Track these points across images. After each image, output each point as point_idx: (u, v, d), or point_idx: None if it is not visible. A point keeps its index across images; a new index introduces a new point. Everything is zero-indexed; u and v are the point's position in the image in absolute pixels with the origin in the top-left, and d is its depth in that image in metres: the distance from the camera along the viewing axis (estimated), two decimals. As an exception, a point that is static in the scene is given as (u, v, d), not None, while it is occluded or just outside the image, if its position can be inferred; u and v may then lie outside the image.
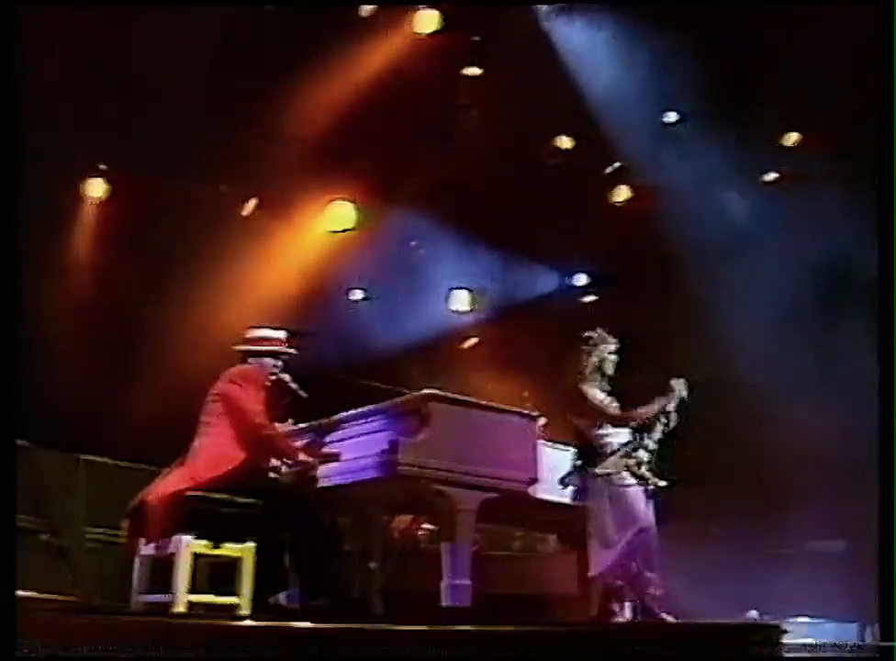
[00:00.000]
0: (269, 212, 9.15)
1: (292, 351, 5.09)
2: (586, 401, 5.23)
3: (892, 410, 4.14)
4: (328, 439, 5.35)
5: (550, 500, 5.28)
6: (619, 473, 5.16)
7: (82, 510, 7.12)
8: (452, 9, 8.29)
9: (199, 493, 4.49)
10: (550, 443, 5.39)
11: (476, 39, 8.59)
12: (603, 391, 5.35)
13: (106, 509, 6.47)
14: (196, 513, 4.43)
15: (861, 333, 6.05)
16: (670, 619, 4.93)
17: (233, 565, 4.46)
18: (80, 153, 8.03)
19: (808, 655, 4.36)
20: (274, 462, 5.03)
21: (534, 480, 5.14)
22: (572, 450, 5.37)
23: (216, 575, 4.55)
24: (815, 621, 6.57)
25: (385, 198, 9.22)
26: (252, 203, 9.11)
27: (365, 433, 5.14)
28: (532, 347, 9.04)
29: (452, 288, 10.36)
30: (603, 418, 5.21)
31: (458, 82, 8.86)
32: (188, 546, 4.36)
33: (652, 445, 5.26)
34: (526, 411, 5.28)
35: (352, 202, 9.31)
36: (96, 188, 8.50)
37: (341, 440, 5.27)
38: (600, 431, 5.22)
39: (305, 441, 5.40)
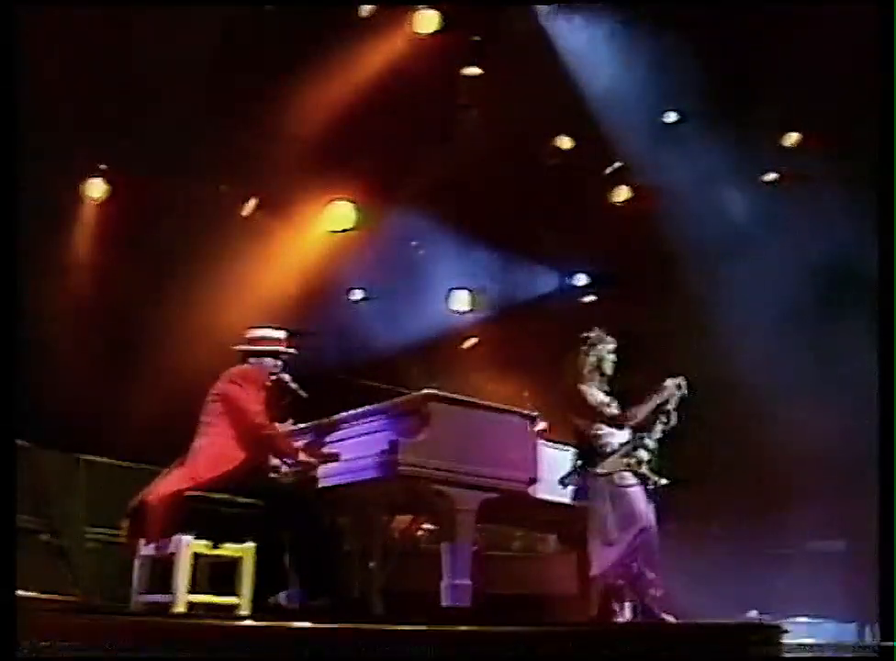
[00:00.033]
0: (269, 212, 9.15)
1: (292, 351, 5.10)
2: (584, 401, 5.23)
3: (892, 410, 4.14)
4: (328, 439, 5.35)
5: (550, 500, 5.28)
6: (619, 472, 5.16)
7: (82, 510, 7.12)
8: (452, 9, 8.29)
9: (199, 493, 4.49)
10: (550, 443, 5.39)
11: (476, 39, 8.59)
12: (602, 391, 5.35)
13: (106, 509, 6.47)
14: (196, 513, 4.44)
15: (861, 333, 6.05)
16: (670, 619, 4.93)
17: (233, 565, 4.46)
18: (80, 153, 8.02)
19: (808, 654, 4.36)
20: (274, 462, 5.03)
21: (534, 480, 5.14)
22: (572, 450, 5.37)
23: (216, 575, 4.55)
24: (815, 621, 6.57)
25: (385, 198, 9.22)
26: (252, 203, 9.11)
27: (365, 433, 5.14)
28: (531, 347, 9.04)
29: (452, 288, 10.36)
30: (600, 418, 5.21)
31: (458, 82, 8.86)
32: (188, 546, 4.36)
33: (652, 444, 5.26)
34: (526, 411, 5.28)
35: (352, 202, 9.31)
36: (96, 188, 8.50)
37: (341, 440, 5.26)
38: (600, 431, 5.22)
39: (305, 441, 5.40)
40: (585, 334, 5.46)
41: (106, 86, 7.54)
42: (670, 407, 5.27)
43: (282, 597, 4.71)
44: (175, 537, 4.38)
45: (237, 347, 5.06)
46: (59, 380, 7.33)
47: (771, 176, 8.87)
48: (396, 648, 3.02)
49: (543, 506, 5.31)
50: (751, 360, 7.86)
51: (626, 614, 5.09)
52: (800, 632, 5.52)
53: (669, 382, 5.23)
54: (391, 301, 9.98)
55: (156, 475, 4.81)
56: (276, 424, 5.00)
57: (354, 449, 5.08)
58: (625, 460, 5.20)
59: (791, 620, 6.17)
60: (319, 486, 5.02)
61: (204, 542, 4.41)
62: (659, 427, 5.27)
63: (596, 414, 5.20)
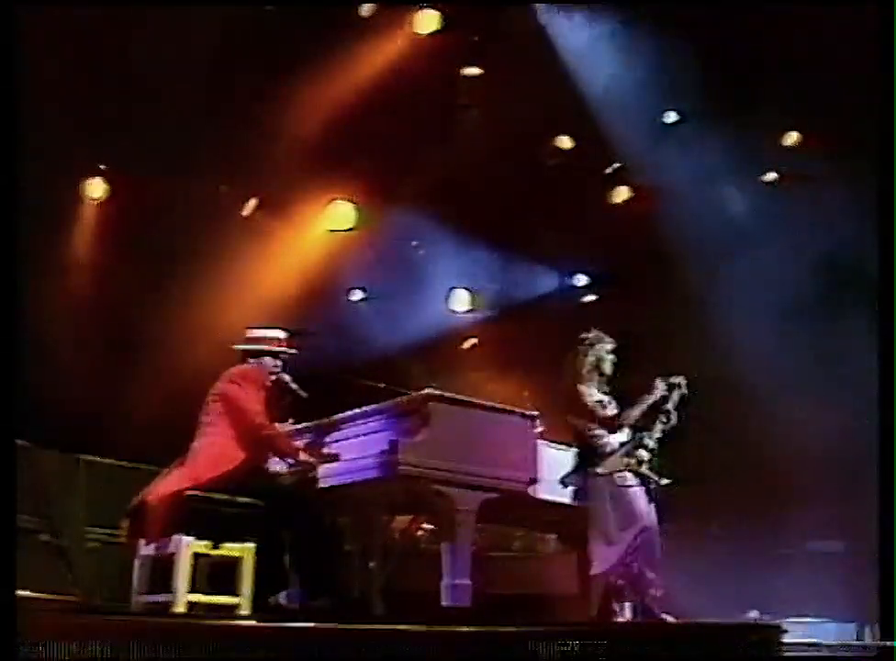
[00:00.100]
0: (269, 212, 9.16)
1: (292, 351, 5.10)
2: (582, 402, 5.24)
3: (892, 410, 4.14)
4: (328, 439, 5.34)
5: (550, 500, 5.28)
6: (619, 472, 5.16)
7: (82, 510, 7.11)
8: (452, 9, 8.29)
9: (199, 493, 4.49)
10: (550, 443, 5.39)
11: (476, 39, 8.59)
12: (601, 391, 5.35)
13: (106, 509, 6.47)
14: (196, 513, 4.44)
15: (861, 333, 6.05)
16: (670, 619, 4.93)
17: (233, 565, 4.46)
18: (80, 153, 8.03)
19: (808, 654, 4.36)
20: (274, 463, 5.03)
21: (534, 480, 5.14)
22: (572, 450, 5.37)
23: (216, 575, 4.55)
24: (815, 621, 6.56)
25: (385, 198, 9.22)
26: (252, 203, 9.11)
27: (365, 433, 5.14)
28: (531, 347, 9.04)
29: (452, 288, 10.36)
30: (594, 419, 5.21)
31: (458, 82, 8.86)
32: (188, 546, 4.36)
33: (652, 444, 5.26)
34: (526, 411, 5.28)
35: (352, 202, 9.31)
36: (96, 188, 8.51)
37: (341, 440, 5.26)
38: (598, 431, 5.22)
39: (305, 441, 5.40)
40: (583, 335, 5.46)
41: (106, 86, 7.54)
42: (670, 406, 5.27)
43: (282, 597, 4.71)
44: (175, 537, 4.39)
45: (237, 347, 5.06)
46: (59, 380, 7.33)
47: (771, 176, 8.86)
48: (396, 648, 3.02)
49: (544, 506, 5.31)
50: (751, 360, 7.86)
51: (626, 614, 5.09)
52: (800, 632, 5.52)
53: (659, 382, 5.23)
54: (391, 301, 9.99)
55: (156, 475, 4.81)
56: (276, 424, 5.00)
57: (354, 449, 5.08)
58: (625, 460, 5.20)
59: (791, 620, 6.16)
60: (319, 486, 5.02)
61: (204, 542, 4.41)
62: (659, 427, 5.27)
63: (591, 415, 5.21)
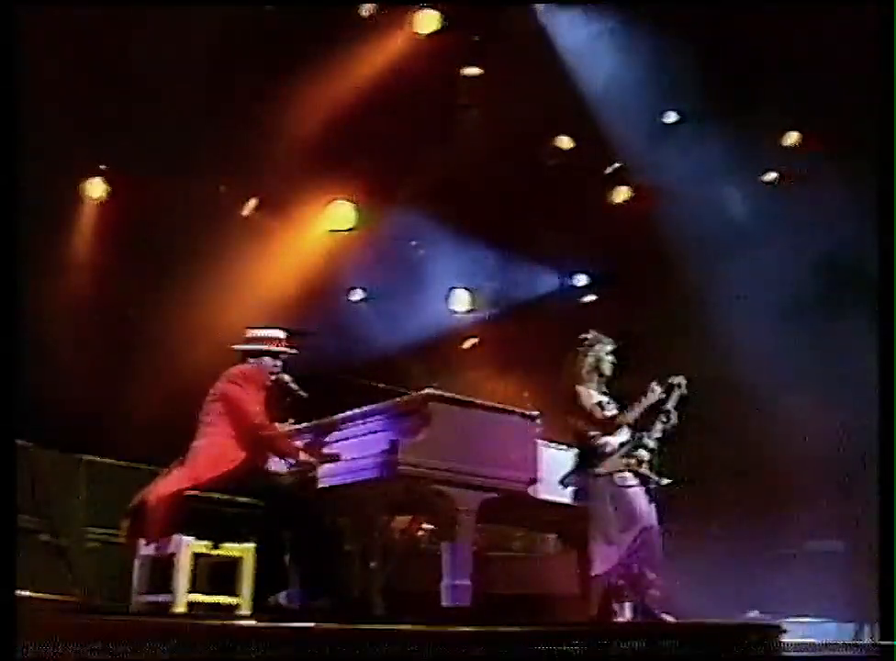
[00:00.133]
0: (269, 212, 9.16)
1: (292, 351, 5.10)
2: (580, 403, 5.25)
3: (892, 410, 4.14)
4: (328, 439, 5.35)
5: (550, 500, 5.28)
6: (619, 472, 5.16)
7: (82, 510, 7.12)
8: (452, 9, 8.29)
9: (199, 493, 4.49)
10: (550, 443, 5.39)
11: (476, 39, 8.59)
12: (600, 392, 5.35)
13: (106, 509, 6.47)
14: (196, 513, 4.44)
15: (861, 334, 6.05)
16: (670, 619, 4.93)
17: (233, 565, 4.46)
18: (80, 153, 8.03)
19: (808, 654, 4.36)
20: (274, 464, 5.03)
21: (534, 480, 5.13)
22: (572, 450, 5.37)
23: (216, 575, 4.55)
24: (815, 621, 6.56)
25: (385, 198, 9.22)
26: (252, 203, 9.11)
27: (365, 433, 5.14)
28: (531, 347, 9.04)
29: (452, 288, 10.36)
30: (591, 421, 5.22)
31: (458, 82, 8.86)
32: (188, 546, 4.36)
33: (652, 444, 5.26)
34: (526, 411, 5.28)
35: (352, 202, 9.31)
36: (96, 188, 8.51)
37: (342, 440, 5.26)
38: (597, 432, 5.22)
39: (305, 441, 5.40)
40: (583, 336, 5.46)
41: (106, 86, 7.54)
42: (670, 406, 5.27)
43: (282, 597, 4.71)
44: (175, 537, 4.39)
45: (236, 347, 5.05)
46: (59, 380, 7.33)
47: (771, 176, 8.86)
48: (396, 648, 3.02)
49: (544, 506, 5.31)
50: (751, 360, 7.85)
51: (626, 614, 5.10)
52: (800, 632, 5.51)
53: (655, 385, 5.23)
54: (391, 301, 9.99)
55: (156, 475, 4.81)
56: (276, 424, 5.00)
57: (354, 449, 5.08)
58: (625, 460, 5.20)
59: (791, 620, 6.16)
60: (319, 486, 5.02)
61: (204, 542, 4.41)
62: (659, 427, 5.27)
63: (589, 417, 5.22)
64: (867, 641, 6.25)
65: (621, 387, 5.46)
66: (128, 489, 4.90)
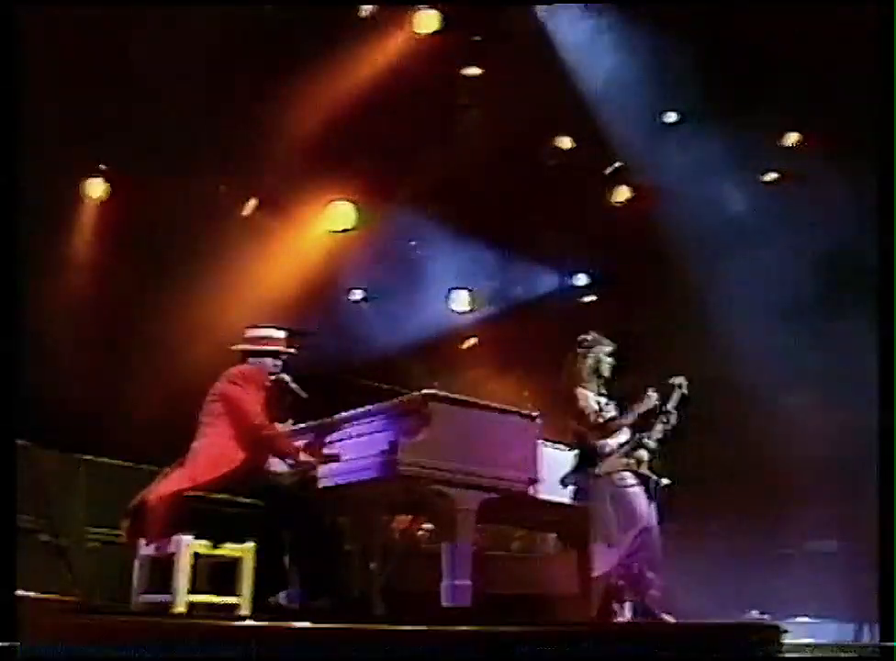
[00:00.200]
0: (269, 212, 9.16)
1: (292, 350, 5.09)
2: (577, 405, 5.25)
3: (892, 410, 4.14)
4: (328, 439, 5.34)
5: (550, 500, 5.28)
6: (619, 473, 5.17)
7: (82, 510, 7.11)
8: (452, 9, 8.29)
9: (199, 493, 4.49)
10: (550, 443, 5.39)
11: (476, 39, 8.59)
12: (600, 394, 5.36)
13: (106, 509, 6.47)
14: (196, 513, 4.43)
15: (861, 334, 6.05)
16: (670, 619, 4.93)
17: (233, 565, 4.45)
18: (80, 153, 8.03)
19: (808, 655, 4.36)
20: (273, 464, 5.02)
21: (534, 480, 5.13)
22: (572, 450, 5.37)
23: (216, 575, 4.55)
24: (815, 621, 6.57)
25: (385, 198, 9.22)
26: (252, 203, 9.12)
27: (365, 433, 5.14)
28: (531, 347, 9.04)
29: (452, 288, 10.36)
30: (588, 424, 5.22)
31: (458, 82, 8.86)
32: (188, 546, 4.36)
33: (652, 444, 5.27)
34: (526, 411, 5.27)
35: (352, 202, 9.31)
36: (96, 188, 8.51)
37: (342, 440, 5.26)
38: (594, 434, 5.24)
39: (305, 441, 5.40)
40: (582, 337, 5.47)
41: (106, 86, 7.54)
42: (670, 407, 5.28)
43: (282, 597, 4.70)
44: (175, 537, 4.38)
45: (236, 347, 5.05)
46: (59, 380, 7.33)
47: (771, 176, 8.86)
48: (396, 648, 3.02)
49: (544, 506, 5.31)
50: (751, 360, 7.86)
51: (626, 614, 5.10)
52: (800, 632, 5.52)
53: (651, 392, 5.23)
54: (391, 301, 9.99)
55: (156, 475, 4.81)
56: (276, 424, 5.00)
57: (354, 449, 5.07)
58: (625, 460, 5.20)
59: (791, 620, 6.17)
60: (319, 486, 5.02)
61: (204, 542, 4.41)
62: (659, 427, 5.28)
63: (585, 420, 5.22)
64: (867, 641, 6.26)
65: (621, 388, 5.47)
66: (128, 489, 4.90)
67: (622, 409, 5.33)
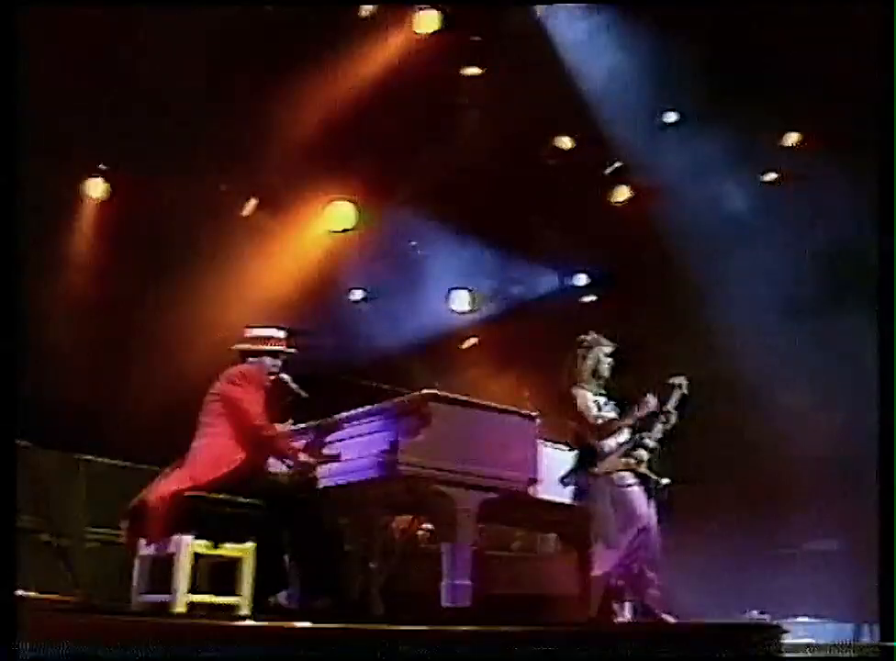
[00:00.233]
0: (269, 212, 9.16)
1: (291, 350, 5.09)
2: (576, 405, 5.26)
3: (892, 410, 4.14)
4: (328, 439, 5.34)
5: (550, 500, 5.28)
6: (619, 472, 5.17)
7: (82, 510, 7.11)
8: (452, 9, 8.29)
9: (199, 493, 4.49)
10: (550, 443, 5.39)
11: (476, 39, 8.59)
12: (599, 394, 5.36)
13: (106, 509, 6.47)
14: (196, 513, 4.43)
15: (861, 334, 6.05)
16: (670, 619, 4.93)
17: (233, 565, 4.45)
18: (80, 153, 8.03)
19: (808, 655, 4.36)
20: (273, 465, 5.02)
21: (534, 480, 5.13)
22: (572, 450, 5.37)
23: (216, 575, 4.55)
24: (815, 621, 6.57)
25: (385, 198, 9.22)
26: (252, 203, 9.12)
27: (365, 433, 5.14)
28: (531, 347, 9.04)
29: (452, 288, 10.36)
30: (585, 425, 5.22)
31: (458, 82, 8.86)
32: (188, 546, 4.36)
33: (652, 444, 5.27)
34: (526, 411, 5.28)
35: (352, 202, 9.31)
36: (96, 188, 8.51)
37: (342, 440, 5.26)
38: (592, 436, 5.24)
39: (305, 441, 5.40)
40: (581, 337, 5.47)
41: (106, 86, 7.54)
42: (670, 406, 5.28)
43: (282, 597, 4.70)
44: (175, 537, 4.38)
45: (236, 347, 5.05)
46: (59, 380, 7.34)
47: (771, 176, 8.86)
48: (396, 648, 3.02)
49: (543, 506, 5.31)
50: (751, 360, 7.86)
51: (626, 614, 5.10)
52: (800, 632, 5.52)
53: (650, 397, 5.23)
54: (391, 301, 9.99)
55: (156, 475, 4.81)
56: (276, 424, 5.00)
57: (354, 449, 5.07)
58: (625, 460, 5.21)
59: (791, 620, 6.17)
60: (319, 486, 5.02)
61: (204, 542, 4.41)
62: (659, 427, 5.28)
63: (583, 421, 5.23)
64: (867, 641, 6.26)
65: (622, 388, 5.47)
66: (129, 489, 4.90)
67: (622, 409, 5.33)
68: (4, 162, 3.64)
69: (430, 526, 6.98)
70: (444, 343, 10.23)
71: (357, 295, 10.11)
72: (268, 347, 5.01)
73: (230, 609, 4.37)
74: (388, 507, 5.76)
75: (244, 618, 4.20)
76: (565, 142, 9.37)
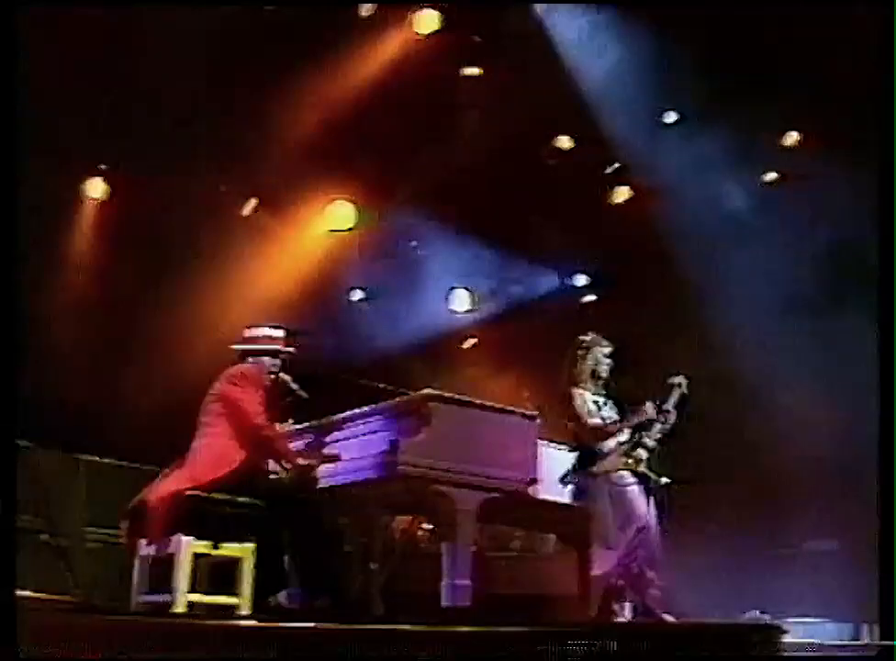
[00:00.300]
0: (269, 212, 9.16)
1: (290, 350, 5.09)
2: (574, 406, 5.26)
3: (892, 410, 4.14)
4: (328, 439, 5.34)
5: (550, 500, 5.28)
6: (618, 472, 5.17)
7: (82, 510, 7.11)
8: (452, 9, 8.29)
9: (199, 493, 4.49)
10: (550, 443, 5.39)
11: (477, 39, 8.59)
12: (598, 395, 5.36)
13: (106, 509, 6.47)
14: (196, 513, 4.43)
15: (861, 334, 6.06)
16: (670, 619, 4.93)
17: (233, 565, 4.45)
18: (80, 153, 8.03)
19: (808, 654, 4.36)
20: (273, 466, 5.02)
21: (534, 480, 5.13)
22: (572, 450, 5.37)
23: (216, 575, 4.55)
24: (815, 620, 6.56)
25: (385, 198, 9.23)
26: (252, 203, 9.12)
27: (365, 433, 5.14)
28: (531, 347, 9.04)
29: (452, 288, 10.36)
30: (582, 427, 5.23)
31: (458, 82, 8.86)
32: (188, 546, 4.36)
33: (651, 444, 5.27)
34: (526, 411, 5.27)
35: (352, 202, 9.32)
36: (96, 188, 8.52)
37: (342, 440, 5.26)
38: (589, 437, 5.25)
39: (305, 441, 5.40)
40: (581, 338, 5.47)
41: (106, 86, 7.54)
42: (669, 406, 5.28)
43: (282, 597, 4.70)
44: (175, 537, 4.38)
45: (235, 346, 5.05)
46: (59, 380, 7.34)
47: (771, 176, 8.86)
48: (396, 648, 3.02)
49: (543, 506, 5.31)
50: (751, 360, 7.86)
51: (626, 614, 5.10)
52: (799, 632, 5.52)
53: (649, 405, 5.23)
54: (391, 301, 9.99)
55: (156, 475, 4.81)
56: (276, 424, 5.00)
57: (354, 449, 5.08)
58: (624, 459, 5.21)
59: (791, 620, 6.16)
60: (320, 486, 5.02)
61: (204, 542, 4.41)
62: (658, 426, 5.28)
63: (581, 421, 5.23)
64: (866, 641, 6.26)
65: (621, 388, 5.47)
66: (128, 489, 4.90)
67: (621, 409, 5.33)
68: (4, 162, 3.64)
69: (430, 526, 6.98)
70: (444, 343, 10.23)
71: (357, 295, 10.11)
72: (268, 347, 5.01)
73: (230, 609, 4.37)
74: (388, 507, 5.76)
75: (244, 618, 4.20)
76: (565, 142, 9.37)
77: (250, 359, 4.98)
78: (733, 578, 7.13)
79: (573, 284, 10.48)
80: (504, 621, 3.41)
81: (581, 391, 5.33)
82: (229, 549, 4.46)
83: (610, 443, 5.22)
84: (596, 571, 5.07)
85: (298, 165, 8.56)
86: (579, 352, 5.42)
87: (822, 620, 6.61)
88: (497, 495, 4.95)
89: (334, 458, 5.05)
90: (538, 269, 10.46)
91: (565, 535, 6.21)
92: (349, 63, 8.25)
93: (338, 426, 5.35)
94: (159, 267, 8.25)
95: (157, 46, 7.36)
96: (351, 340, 9.15)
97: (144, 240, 8.24)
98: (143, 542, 4.61)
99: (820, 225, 7.96)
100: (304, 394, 5.07)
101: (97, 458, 7.37)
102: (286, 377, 5.04)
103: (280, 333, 5.09)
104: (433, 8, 8.28)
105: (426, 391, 4.96)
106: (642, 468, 5.22)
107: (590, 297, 10.34)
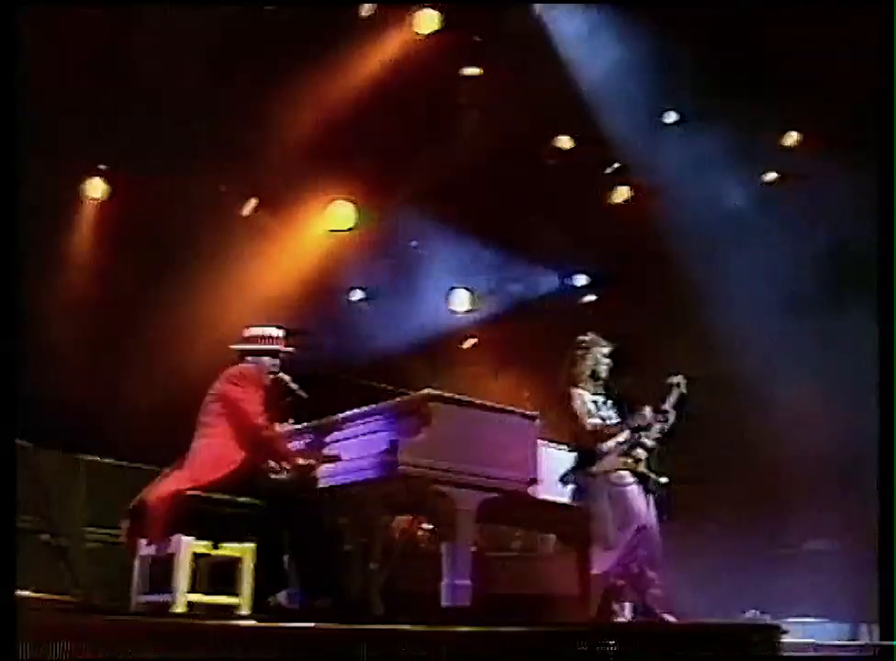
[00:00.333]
0: (269, 212, 9.16)
1: (290, 349, 5.08)
2: (572, 406, 5.26)
3: (892, 410, 4.14)
4: (328, 439, 5.34)
5: (550, 500, 5.28)
6: (618, 471, 5.17)
7: (82, 510, 7.11)
8: (452, 9, 8.29)
9: (199, 493, 4.49)
10: (550, 443, 5.39)
11: (477, 39, 8.59)
12: (597, 395, 5.36)
13: (106, 509, 6.47)
14: (196, 513, 4.43)
15: (861, 334, 6.05)
16: (670, 619, 4.93)
17: (233, 565, 4.45)
18: (80, 153, 8.03)
19: (808, 654, 4.36)
20: (272, 465, 5.02)
21: (534, 480, 5.13)
22: (572, 450, 5.37)
23: (216, 575, 4.55)
24: (815, 621, 6.56)
25: (385, 198, 9.23)
26: (252, 203, 9.12)
27: (365, 433, 5.14)
28: (531, 347, 9.05)
29: (452, 288, 10.37)
30: (579, 426, 5.23)
31: (458, 82, 8.86)
32: (188, 546, 4.36)
33: (650, 443, 5.27)
34: (526, 411, 5.28)
35: (352, 202, 9.32)
36: (96, 188, 8.52)
37: (342, 440, 5.26)
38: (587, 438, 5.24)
39: (305, 441, 5.39)
40: (580, 338, 5.47)
41: (106, 86, 7.55)
42: (668, 406, 5.28)
43: (282, 597, 4.70)
44: (175, 537, 4.38)
45: (235, 346, 5.05)
46: (59, 380, 7.33)
47: (771, 176, 8.86)
48: (396, 648, 3.02)
49: (543, 506, 5.31)
50: (751, 360, 7.86)
51: (626, 614, 5.10)
52: (799, 632, 5.52)
53: (647, 410, 5.23)
54: (391, 301, 9.99)
55: (156, 475, 4.81)
56: (276, 424, 5.00)
57: (354, 449, 5.08)
58: (623, 459, 5.21)
59: (791, 620, 6.16)
60: (320, 486, 5.02)
61: (204, 542, 4.41)
62: (658, 426, 5.28)
63: (579, 422, 5.23)
64: (866, 641, 6.26)
65: (621, 388, 5.47)
66: (128, 489, 4.90)
67: (621, 409, 5.33)
68: (4, 162, 3.64)
69: (430, 526, 6.99)
70: (444, 343, 10.23)
71: (357, 295, 10.11)
72: (267, 347, 5.01)
73: (230, 609, 4.37)
74: (388, 507, 5.76)
75: (244, 618, 4.20)
76: (565, 142, 9.37)
77: (249, 359, 4.98)
78: (733, 578, 7.12)
79: (573, 284, 10.49)
80: (504, 621, 3.42)
81: (580, 391, 5.33)
82: (229, 549, 4.46)
83: (610, 443, 5.22)
84: (596, 571, 5.07)
85: (298, 165, 8.56)
86: (579, 353, 5.41)
87: (821, 620, 6.60)
88: (497, 495, 4.95)
89: (334, 458, 5.05)
90: (538, 269, 10.46)
91: (565, 535, 6.22)
92: (349, 63, 8.25)
93: (338, 426, 5.35)
94: (159, 267, 8.25)
95: (157, 46, 7.36)
96: (351, 340, 9.15)
97: (144, 240, 8.25)
98: (143, 542, 4.61)
99: (820, 225, 7.96)
100: (304, 394, 5.07)
101: (97, 458, 7.37)
102: (286, 377, 5.04)
103: (280, 333, 5.09)
104: (433, 8, 8.29)
105: (426, 391, 4.96)
106: (641, 468, 5.22)
107: (590, 297, 10.34)
